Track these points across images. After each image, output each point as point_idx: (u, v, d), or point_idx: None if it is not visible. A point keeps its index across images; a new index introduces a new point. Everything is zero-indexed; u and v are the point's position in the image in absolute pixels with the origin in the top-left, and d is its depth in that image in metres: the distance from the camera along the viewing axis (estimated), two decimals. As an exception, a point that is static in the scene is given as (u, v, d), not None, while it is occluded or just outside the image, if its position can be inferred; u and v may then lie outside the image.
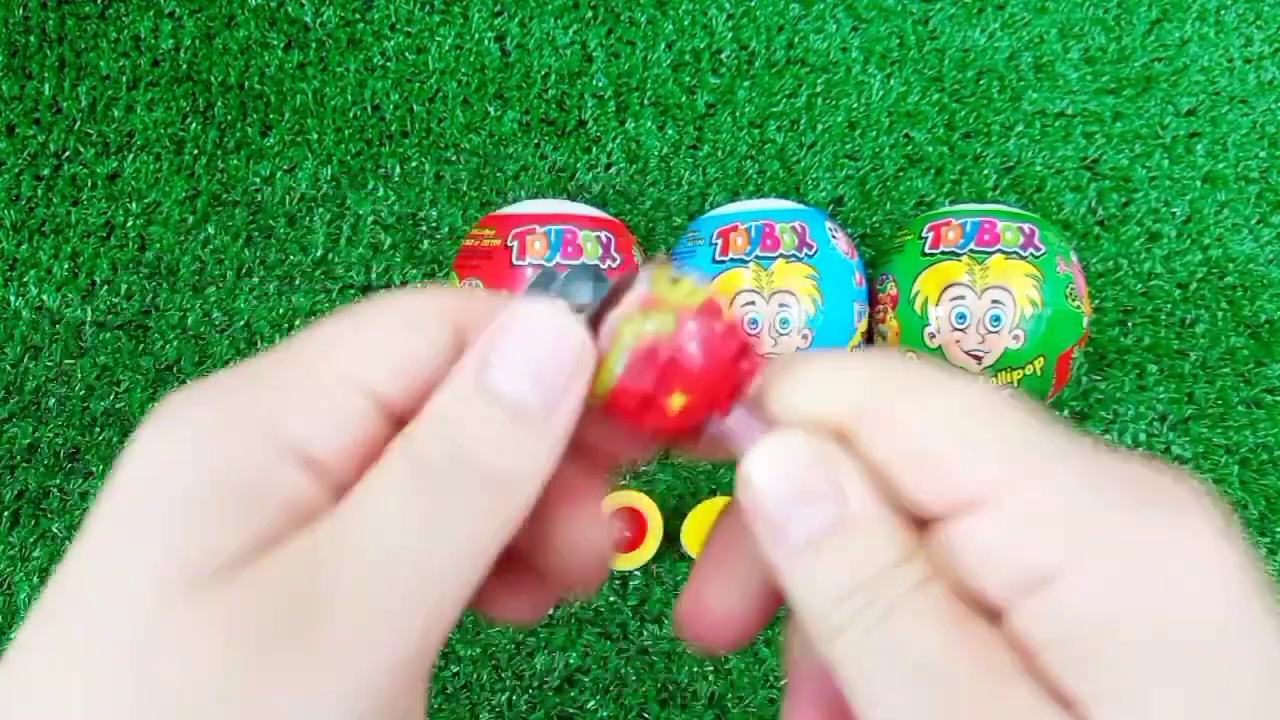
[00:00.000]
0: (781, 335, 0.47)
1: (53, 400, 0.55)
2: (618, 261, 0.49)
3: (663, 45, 0.59)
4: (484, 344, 0.16)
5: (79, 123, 0.57)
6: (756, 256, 0.48)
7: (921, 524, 0.16)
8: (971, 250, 0.48)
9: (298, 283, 0.56)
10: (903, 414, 0.15)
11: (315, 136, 0.58)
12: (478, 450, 0.15)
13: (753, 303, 0.47)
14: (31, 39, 0.58)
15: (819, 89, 0.59)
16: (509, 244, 0.48)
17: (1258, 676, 0.13)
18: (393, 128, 0.58)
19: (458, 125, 0.58)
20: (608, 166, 0.58)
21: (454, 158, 0.58)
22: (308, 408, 0.15)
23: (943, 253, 0.48)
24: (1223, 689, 0.13)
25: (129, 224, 0.57)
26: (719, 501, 0.53)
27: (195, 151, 0.57)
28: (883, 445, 0.16)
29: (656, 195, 0.58)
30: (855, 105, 0.59)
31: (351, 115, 0.58)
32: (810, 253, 0.48)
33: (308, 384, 0.15)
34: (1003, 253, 0.47)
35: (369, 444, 0.15)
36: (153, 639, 0.12)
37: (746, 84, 0.59)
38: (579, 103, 0.58)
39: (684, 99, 0.59)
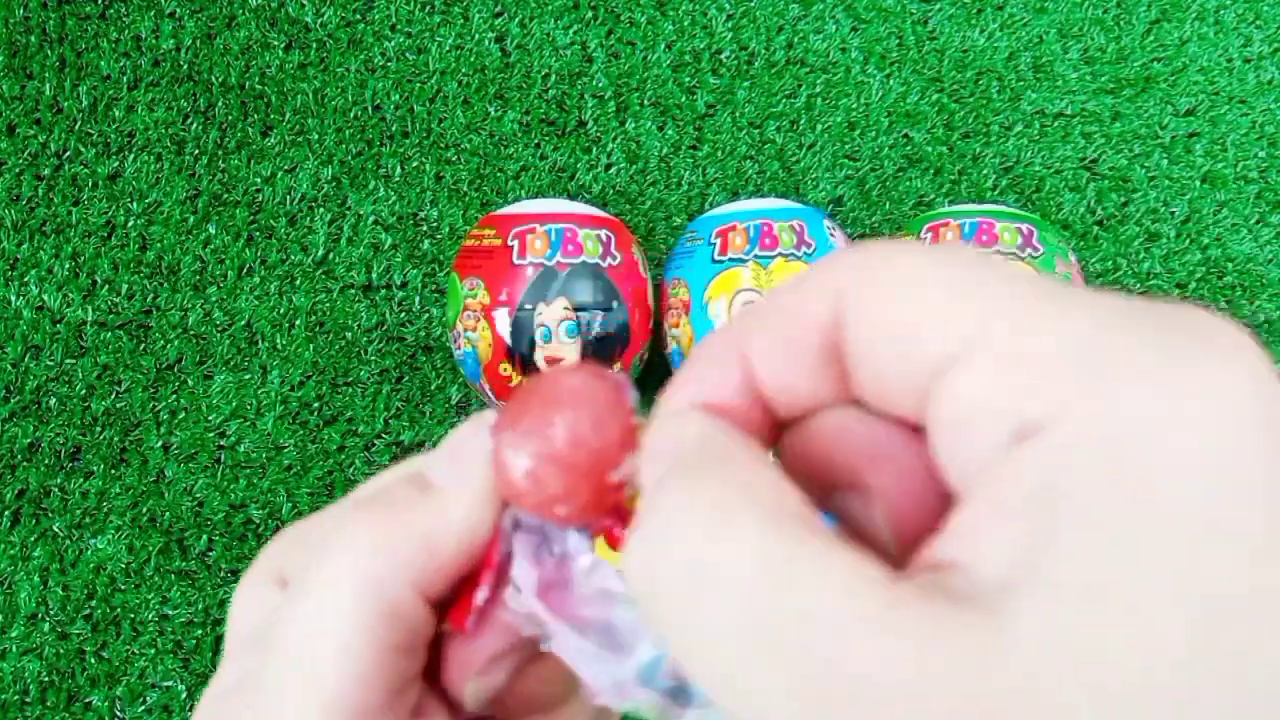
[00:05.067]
0: (781, 334, 0.47)
1: (53, 400, 0.55)
2: (618, 260, 0.49)
3: (663, 45, 0.59)
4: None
5: (80, 123, 0.58)
6: (755, 255, 0.48)
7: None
8: (970, 250, 0.48)
9: (298, 282, 0.56)
10: (871, 297, 0.14)
11: (316, 136, 0.58)
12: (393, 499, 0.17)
13: (752, 301, 0.47)
14: (32, 39, 0.58)
15: (818, 89, 0.59)
16: (509, 243, 0.48)
17: (1249, 554, 0.10)
18: (393, 128, 0.58)
19: (458, 125, 0.58)
20: (608, 166, 0.58)
21: (454, 158, 0.58)
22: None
23: (942, 252, 0.48)
24: (1205, 565, 0.10)
25: (130, 224, 0.57)
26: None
27: (196, 151, 0.57)
28: (861, 339, 0.14)
29: (656, 195, 0.58)
30: (855, 105, 0.59)
31: (352, 115, 0.58)
32: (809, 251, 0.48)
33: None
34: (1001, 254, 0.47)
35: None
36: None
37: (746, 84, 0.59)
38: (579, 103, 0.59)
39: (684, 99, 0.59)
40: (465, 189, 0.57)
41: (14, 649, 0.52)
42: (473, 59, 0.59)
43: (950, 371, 0.12)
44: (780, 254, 0.48)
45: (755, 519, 0.12)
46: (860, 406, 0.15)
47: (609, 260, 0.48)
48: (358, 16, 0.59)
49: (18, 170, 0.57)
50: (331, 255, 0.57)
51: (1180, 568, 0.10)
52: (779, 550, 0.12)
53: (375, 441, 0.55)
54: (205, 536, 0.54)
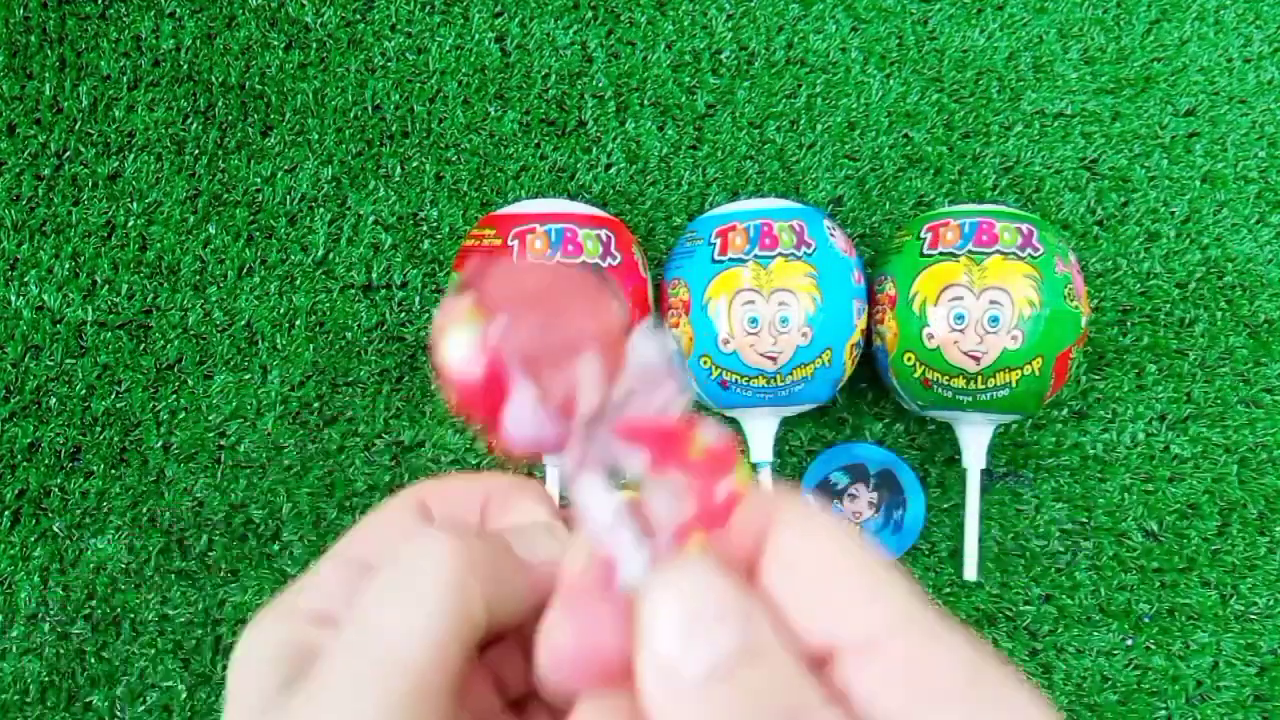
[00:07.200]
0: (781, 334, 0.47)
1: (53, 400, 0.55)
2: (618, 260, 0.49)
3: (663, 45, 0.59)
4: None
5: (80, 123, 0.58)
6: (755, 255, 0.48)
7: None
8: (970, 251, 0.48)
9: (298, 282, 0.56)
10: (800, 556, 0.17)
11: (316, 136, 0.58)
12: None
13: (752, 301, 0.47)
14: (32, 39, 0.58)
15: (819, 89, 0.59)
16: (509, 243, 0.48)
17: None
18: (393, 128, 0.58)
19: (458, 125, 0.58)
20: (608, 166, 0.58)
21: (454, 158, 0.58)
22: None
23: (941, 253, 0.48)
24: None
25: (130, 224, 0.57)
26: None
27: (196, 151, 0.57)
28: (780, 584, 0.17)
29: (656, 195, 0.58)
30: (855, 105, 0.59)
31: (352, 115, 0.58)
32: (809, 251, 0.48)
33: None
34: (1001, 253, 0.47)
35: None
36: None
37: (746, 84, 0.59)
38: (579, 103, 0.59)
39: (684, 99, 0.59)
40: (465, 189, 0.57)
41: (14, 649, 0.52)
42: (473, 59, 0.59)
43: (860, 660, 0.16)
44: (780, 254, 0.48)
45: None
46: None
47: (609, 260, 0.48)
48: (358, 16, 0.59)
49: (18, 170, 0.57)
50: (331, 255, 0.57)
51: None
52: None
53: (375, 441, 0.55)
54: (205, 536, 0.54)
